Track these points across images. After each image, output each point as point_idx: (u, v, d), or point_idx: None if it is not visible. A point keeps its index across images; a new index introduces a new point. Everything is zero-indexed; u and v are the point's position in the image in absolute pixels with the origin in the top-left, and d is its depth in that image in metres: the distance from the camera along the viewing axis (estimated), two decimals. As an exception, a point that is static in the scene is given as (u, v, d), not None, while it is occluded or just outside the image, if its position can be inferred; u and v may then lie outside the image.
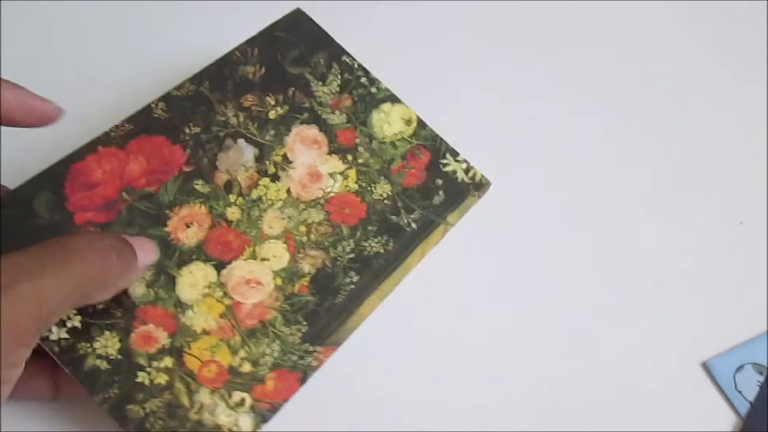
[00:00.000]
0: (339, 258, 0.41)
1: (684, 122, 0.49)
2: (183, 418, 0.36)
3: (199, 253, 0.39)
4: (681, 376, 0.40)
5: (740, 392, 0.38)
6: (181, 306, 0.38)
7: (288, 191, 0.42)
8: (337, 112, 0.45)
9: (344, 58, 0.46)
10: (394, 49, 0.52)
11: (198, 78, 0.42)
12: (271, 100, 0.44)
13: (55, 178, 0.38)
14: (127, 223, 0.38)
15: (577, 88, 0.52)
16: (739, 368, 0.39)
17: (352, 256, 0.41)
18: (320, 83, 0.45)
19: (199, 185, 0.40)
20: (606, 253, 0.45)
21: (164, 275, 0.38)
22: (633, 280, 0.44)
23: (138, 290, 0.37)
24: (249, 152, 0.42)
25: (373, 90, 0.46)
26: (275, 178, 0.42)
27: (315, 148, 0.43)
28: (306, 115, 0.44)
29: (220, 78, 0.43)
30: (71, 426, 0.37)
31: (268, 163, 0.42)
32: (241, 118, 0.43)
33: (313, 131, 0.44)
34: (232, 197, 0.41)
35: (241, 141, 0.42)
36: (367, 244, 0.42)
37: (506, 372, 0.41)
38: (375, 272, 0.41)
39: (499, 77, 0.52)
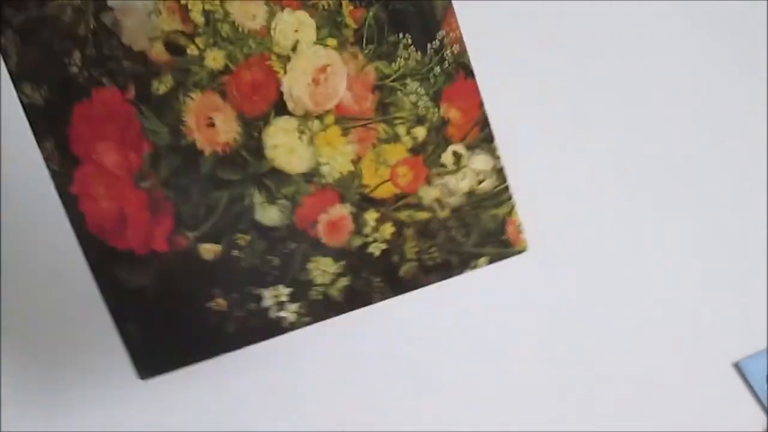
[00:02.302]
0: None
1: (698, 122, 0.45)
2: (440, 223, 0.30)
3: (252, 125, 0.29)
4: (712, 376, 0.40)
5: (772, 393, 0.36)
6: (312, 176, 0.29)
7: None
8: None
9: None
10: None
11: None
12: None
13: None
14: (183, 196, 0.29)
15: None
16: (772, 370, 0.37)
17: None
18: None
19: (159, 85, 0.29)
20: (640, 252, 0.42)
21: (267, 179, 0.29)
22: (667, 281, 0.42)
23: (272, 215, 0.29)
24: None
25: None
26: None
27: None
28: None
29: None
30: (73, 426, 0.36)
31: (157, -24, 0.28)
32: None
33: None
34: (192, 50, 0.28)
35: (111, 1, 0.28)
36: None
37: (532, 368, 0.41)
38: None
39: None
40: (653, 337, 0.41)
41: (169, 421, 0.38)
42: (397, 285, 0.30)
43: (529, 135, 0.43)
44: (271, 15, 0.28)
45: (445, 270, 0.30)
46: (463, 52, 0.28)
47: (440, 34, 0.28)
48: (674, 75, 0.46)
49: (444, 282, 0.30)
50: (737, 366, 0.39)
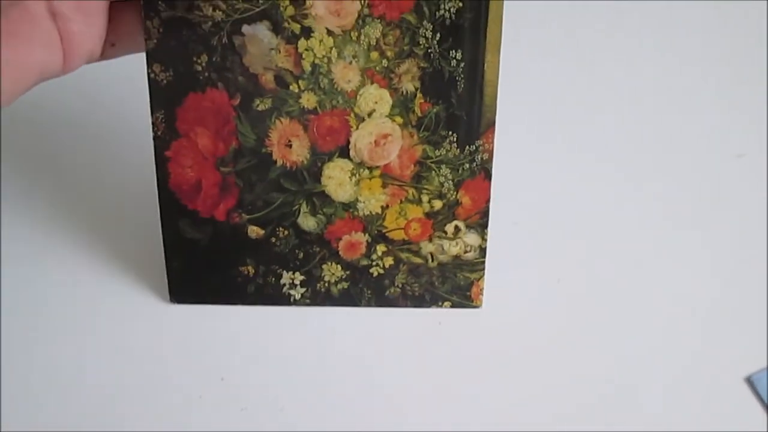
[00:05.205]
0: (429, 48, 0.35)
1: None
2: (426, 271, 0.39)
3: (318, 157, 0.37)
4: (724, 390, 0.38)
5: (785, 408, 0.36)
6: (350, 207, 0.38)
7: (328, 32, 0.35)
8: None
9: None
10: None
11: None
12: None
13: None
14: (248, 188, 0.38)
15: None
16: (785, 384, 0.37)
17: (438, 36, 0.35)
18: None
19: (260, 103, 0.36)
20: (650, 265, 0.44)
21: (315, 197, 0.38)
22: (677, 294, 0.42)
23: (310, 223, 0.38)
24: (262, 31, 0.35)
25: None
26: (307, 32, 0.35)
27: (309, -35, 0.34)
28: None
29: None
30: (71, 426, 0.38)
31: (286, 24, 0.35)
32: (223, 7, 0.35)
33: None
34: (293, 87, 0.36)
35: (245, 28, 0.35)
36: (442, 11, 0.34)
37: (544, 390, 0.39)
38: (471, 30, 0.35)
39: None
40: (663, 351, 0.40)
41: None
42: (381, 299, 0.40)
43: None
44: (362, 84, 0.36)
45: (418, 301, 0.40)
46: (490, 160, 0.37)
47: (478, 143, 0.37)
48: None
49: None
50: (749, 380, 0.38)
